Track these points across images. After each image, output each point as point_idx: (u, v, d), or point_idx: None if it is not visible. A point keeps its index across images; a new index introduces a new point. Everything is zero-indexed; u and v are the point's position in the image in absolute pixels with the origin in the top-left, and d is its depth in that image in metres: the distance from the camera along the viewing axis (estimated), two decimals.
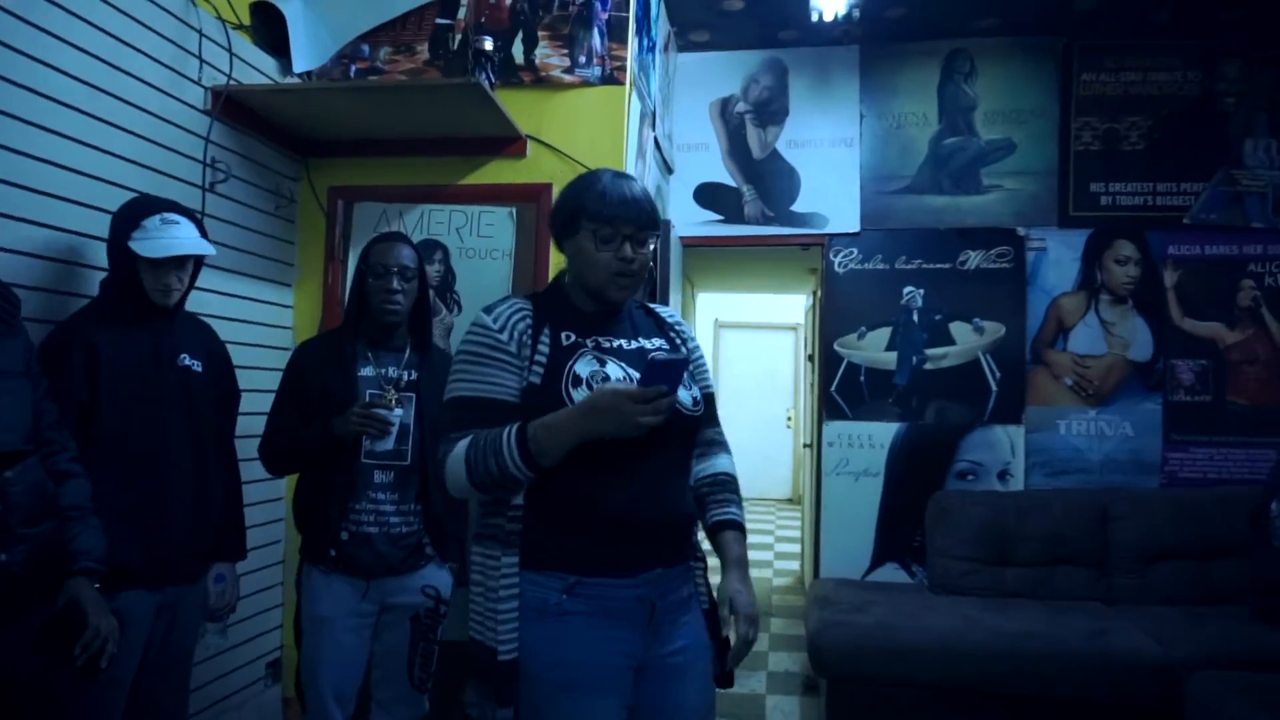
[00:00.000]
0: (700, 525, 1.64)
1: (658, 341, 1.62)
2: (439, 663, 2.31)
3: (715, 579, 1.61)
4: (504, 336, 1.49)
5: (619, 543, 1.47)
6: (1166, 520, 3.46)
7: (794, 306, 8.10)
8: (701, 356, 1.70)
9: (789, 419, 9.36)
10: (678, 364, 1.42)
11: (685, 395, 1.54)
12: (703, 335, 9.00)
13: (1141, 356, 3.75)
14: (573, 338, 1.53)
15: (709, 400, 1.66)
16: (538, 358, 1.49)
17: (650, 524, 1.49)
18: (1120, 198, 3.79)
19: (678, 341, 1.65)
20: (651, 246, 1.54)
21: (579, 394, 1.45)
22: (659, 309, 1.72)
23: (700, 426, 1.63)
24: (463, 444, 1.45)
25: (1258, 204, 3.72)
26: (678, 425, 1.50)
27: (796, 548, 6.62)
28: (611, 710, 1.47)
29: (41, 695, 1.55)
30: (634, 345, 1.57)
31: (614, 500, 1.46)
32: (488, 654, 1.45)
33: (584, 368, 1.49)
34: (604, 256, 1.50)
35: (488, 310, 1.54)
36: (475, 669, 1.48)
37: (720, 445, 1.71)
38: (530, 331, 1.50)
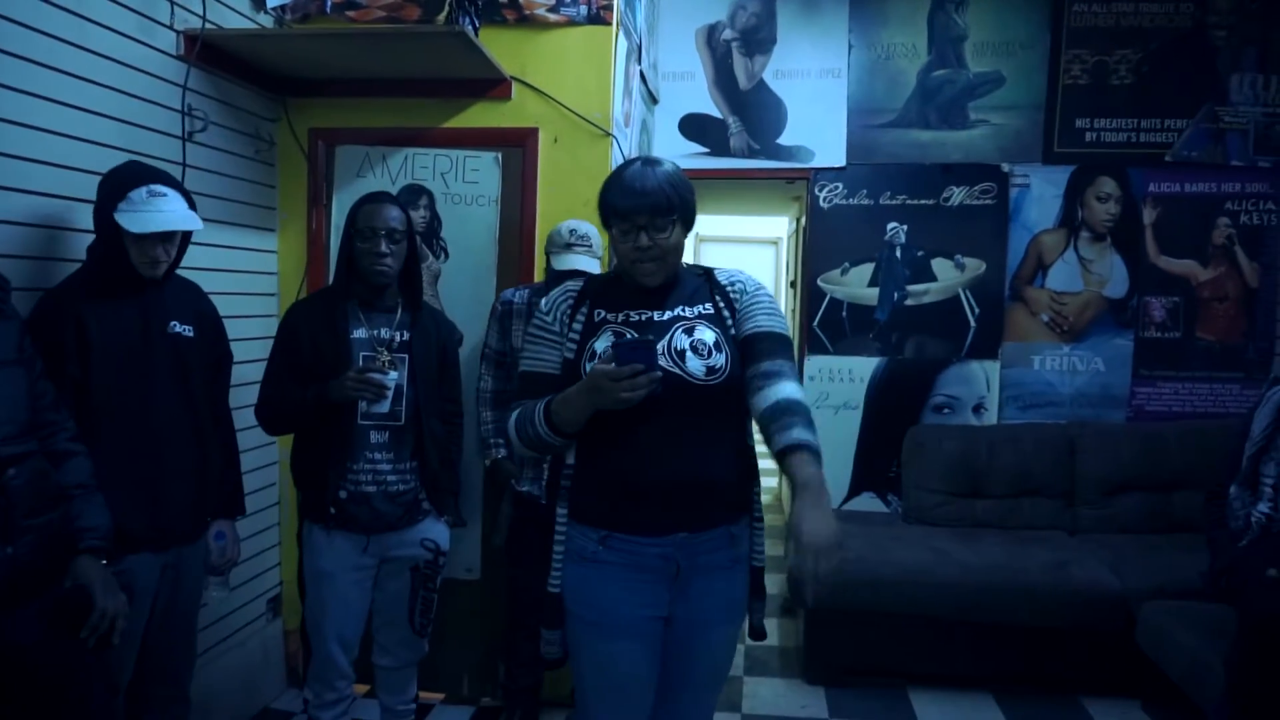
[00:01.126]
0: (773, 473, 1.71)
1: (699, 308, 1.67)
2: (438, 606, 2.41)
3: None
4: (550, 318, 1.70)
5: (641, 505, 1.61)
6: (1130, 453, 3.61)
7: (776, 223, 8.07)
8: (761, 303, 1.67)
9: None
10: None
11: (698, 365, 1.59)
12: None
13: (1116, 293, 3.83)
14: (602, 314, 1.67)
15: (768, 335, 1.63)
16: (572, 334, 1.67)
17: (664, 489, 1.60)
18: (1105, 134, 3.78)
19: (723, 306, 1.68)
20: (671, 230, 1.61)
21: (591, 367, 1.60)
22: (719, 272, 1.74)
23: (725, 395, 1.61)
24: (515, 413, 1.69)
25: (1238, 141, 3.73)
26: (690, 394, 1.58)
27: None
28: (633, 653, 1.64)
29: (54, 660, 1.60)
30: (668, 315, 1.65)
31: (634, 466, 1.60)
32: (543, 586, 1.68)
33: (601, 343, 1.63)
34: (624, 248, 1.63)
35: (546, 296, 1.75)
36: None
37: (778, 375, 1.57)
38: (570, 310, 1.69)
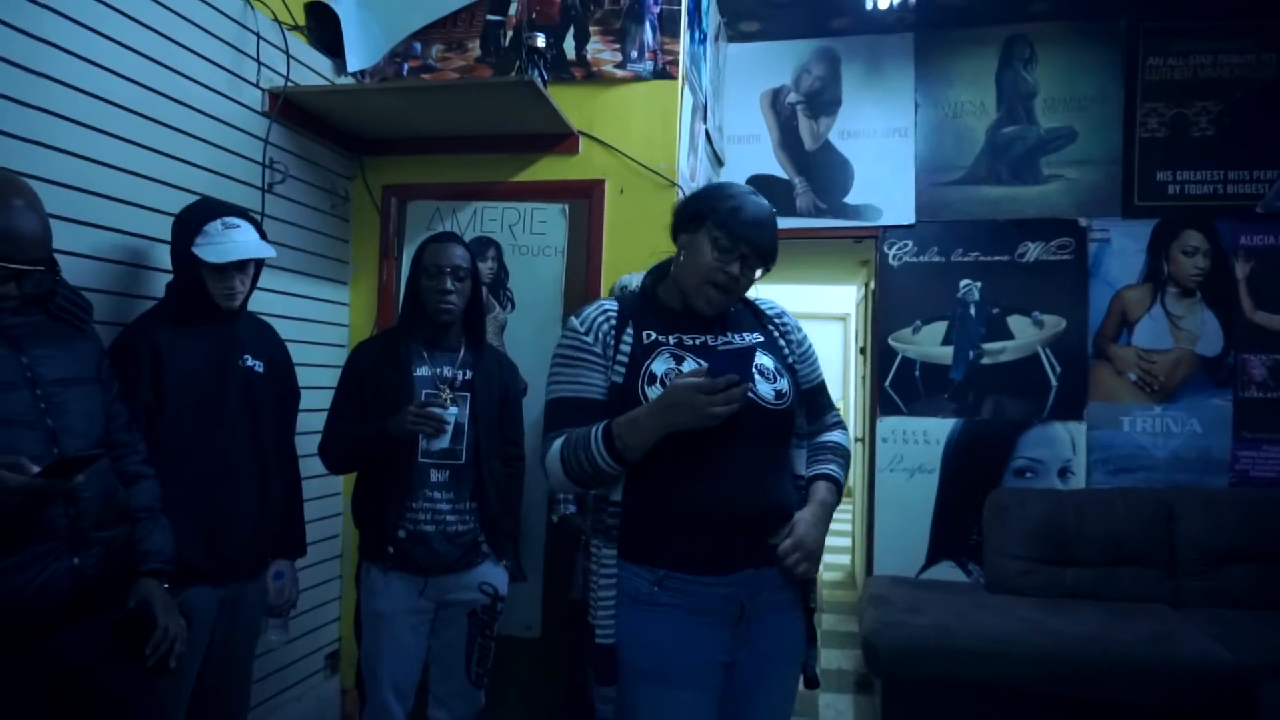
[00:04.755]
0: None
1: (752, 336, 1.61)
2: (495, 657, 2.33)
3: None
4: (590, 339, 1.57)
5: (705, 538, 1.50)
6: (1237, 520, 3.34)
7: (844, 296, 8.00)
8: (809, 348, 1.70)
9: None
10: (744, 353, 1.45)
11: (767, 389, 1.54)
12: None
13: (1210, 351, 3.62)
14: (654, 336, 1.57)
15: (820, 389, 1.71)
16: (620, 356, 1.55)
17: (736, 519, 1.50)
18: (1189, 186, 3.65)
19: (775, 334, 1.66)
20: (758, 275, 1.56)
21: (654, 391, 1.50)
22: (760, 302, 1.72)
23: (789, 421, 1.60)
24: (558, 443, 1.54)
25: None
26: (760, 419, 1.52)
27: (846, 541, 6.56)
28: (695, 704, 1.50)
29: (111, 688, 1.58)
30: (721, 341, 1.59)
31: (700, 495, 1.50)
32: (591, 636, 1.53)
33: (660, 366, 1.53)
34: (712, 264, 1.53)
35: (577, 315, 1.61)
36: (587, 650, 1.56)
37: (835, 425, 1.71)
38: (614, 331, 1.57)
